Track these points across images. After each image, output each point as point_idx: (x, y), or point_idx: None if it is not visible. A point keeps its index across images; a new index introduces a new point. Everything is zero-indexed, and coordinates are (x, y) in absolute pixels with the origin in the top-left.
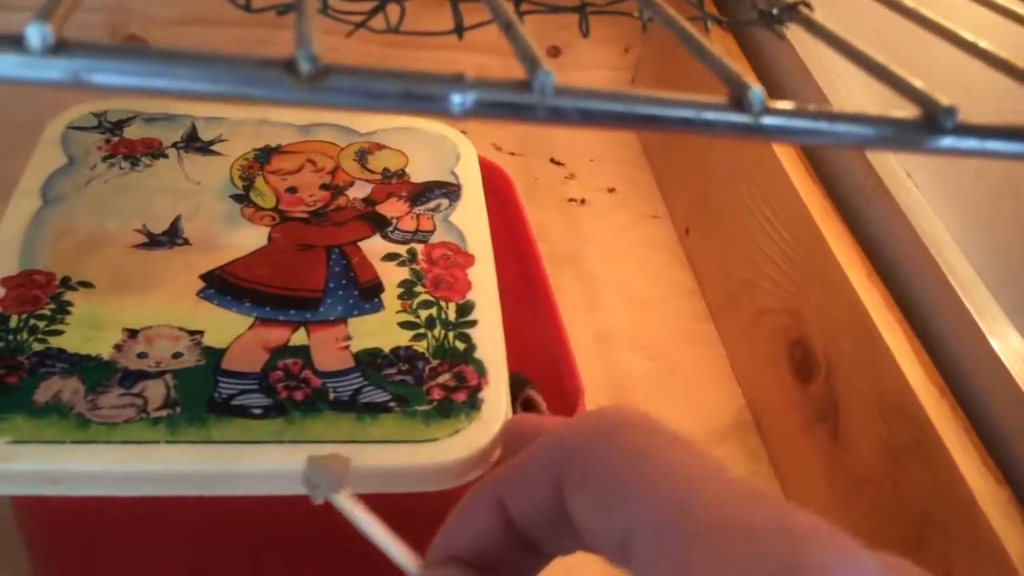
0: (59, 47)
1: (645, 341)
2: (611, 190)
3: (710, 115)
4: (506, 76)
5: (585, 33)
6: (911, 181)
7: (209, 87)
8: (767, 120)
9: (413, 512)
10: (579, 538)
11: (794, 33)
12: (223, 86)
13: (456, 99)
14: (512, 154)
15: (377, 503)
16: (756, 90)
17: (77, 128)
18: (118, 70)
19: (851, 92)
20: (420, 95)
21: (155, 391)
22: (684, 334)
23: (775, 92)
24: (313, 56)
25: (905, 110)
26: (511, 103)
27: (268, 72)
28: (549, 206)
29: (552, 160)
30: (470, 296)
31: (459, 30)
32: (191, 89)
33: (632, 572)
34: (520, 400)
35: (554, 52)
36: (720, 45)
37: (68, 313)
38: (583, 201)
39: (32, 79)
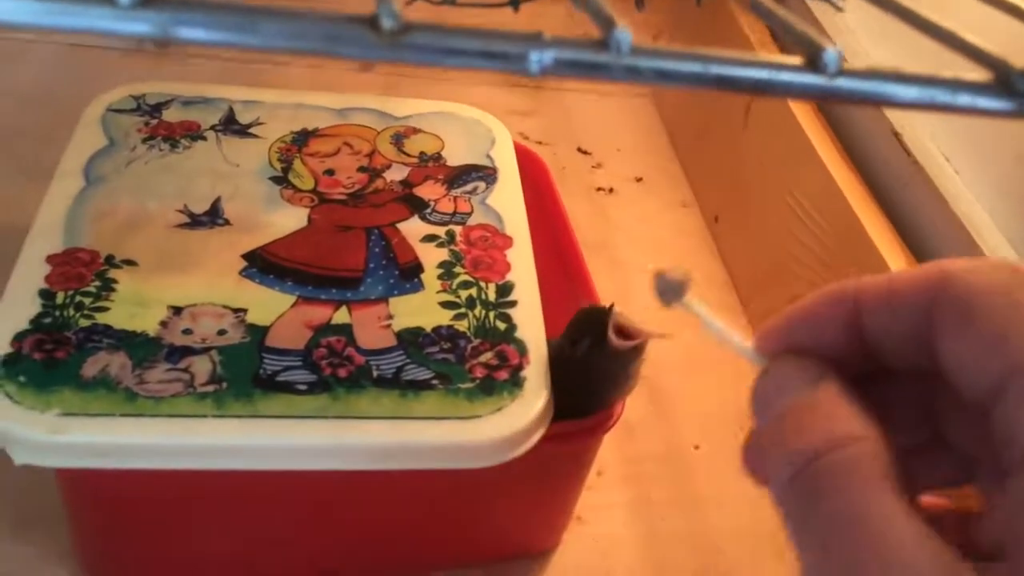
0: (147, 1)
1: (676, 328)
2: (639, 179)
3: (786, 76)
4: None
5: (640, 6)
6: (950, 166)
7: (294, 44)
8: (841, 82)
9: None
10: (934, 366)
11: (823, 10)
12: (307, 43)
13: (534, 57)
14: (539, 143)
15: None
16: (832, 51)
17: (116, 111)
18: (204, 25)
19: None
20: (498, 53)
21: (201, 367)
22: None
23: None
24: (395, 13)
25: (975, 73)
26: (588, 62)
27: (352, 29)
28: (577, 195)
29: (579, 149)
30: (509, 277)
31: (514, 2)
32: (276, 46)
33: (997, 415)
34: (612, 326)
35: None
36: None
37: (113, 290)
38: (611, 190)
39: (121, 31)
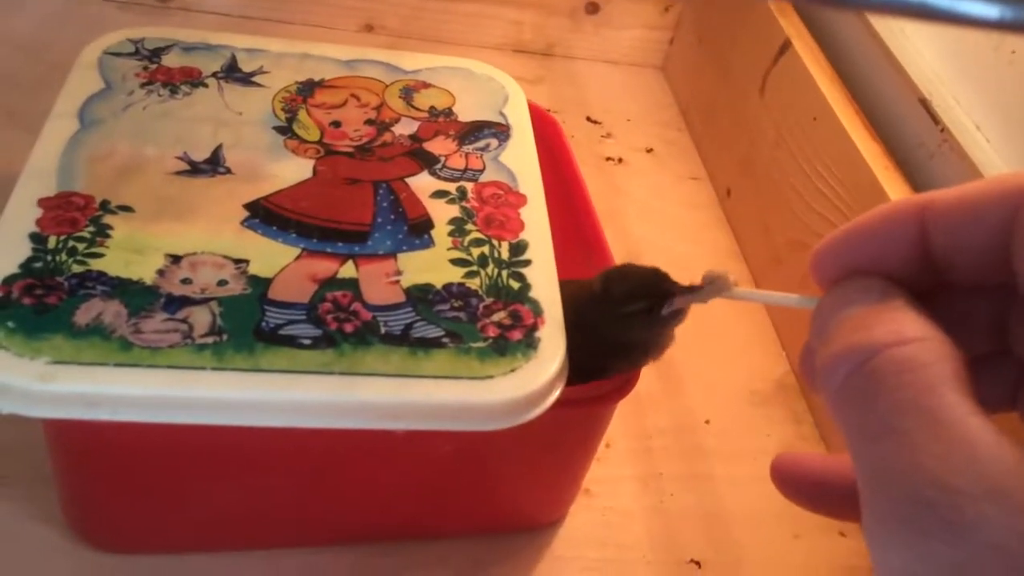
0: None
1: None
2: (649, 150)
3: None
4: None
5: None
6: (980, 134)
7: None
8: None
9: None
10: (1010, 279)
11: None
12: None
13: None
14: (548, 111)
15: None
16: None
17: (114, 54)
18: None
19: (914, 45)
20: None
21: (200, 317)
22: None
23: (830, 44)
24: None
25: None
26: None
27: None
28: (586, 164)
29: (588, 119)
30: (523, 236)
31: None
32: None
33: None
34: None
35: (592, 8)
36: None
37: (108, 236)
38: (620, 160)
39: None
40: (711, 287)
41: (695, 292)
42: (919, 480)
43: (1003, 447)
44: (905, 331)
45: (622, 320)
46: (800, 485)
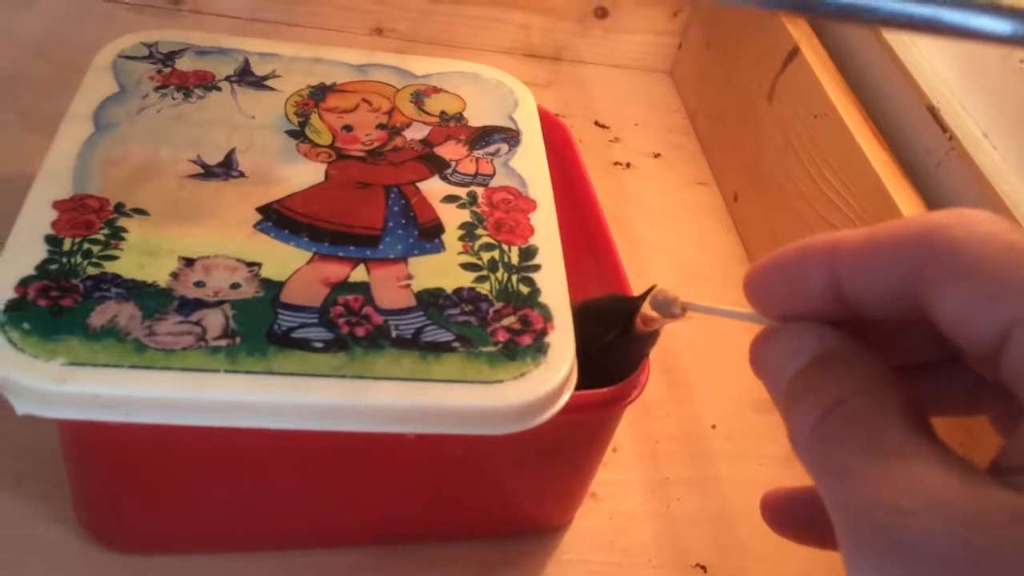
0: None
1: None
2: (657, 155)
3: None
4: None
5: None
6: (988, 142)
7: None
8: None
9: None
10: (922, 319)
11: None
12: None
13: None
14: (556, 115)
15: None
16: None
17: (128, 57)
18: None
19: (922, 52)
20: None
21: (213, 320)
22: (735, 303)
23: (838, 51)
24: None
25: None
26: None
27: None
28: (594, 168)
29: (597, 123)
30: (533, 241)
31: None
32: None
33: (1007, 361)
34: (640, 314)
35: (601, 13)
36: None
37: (122, 239)
38: (628, 165)
39: None
40: (661, 298)
41: (655, 300)
42: (874, 507)
43: (948, 465)
44: (848, 386)
45: (605, 348)
46: (787, 519)
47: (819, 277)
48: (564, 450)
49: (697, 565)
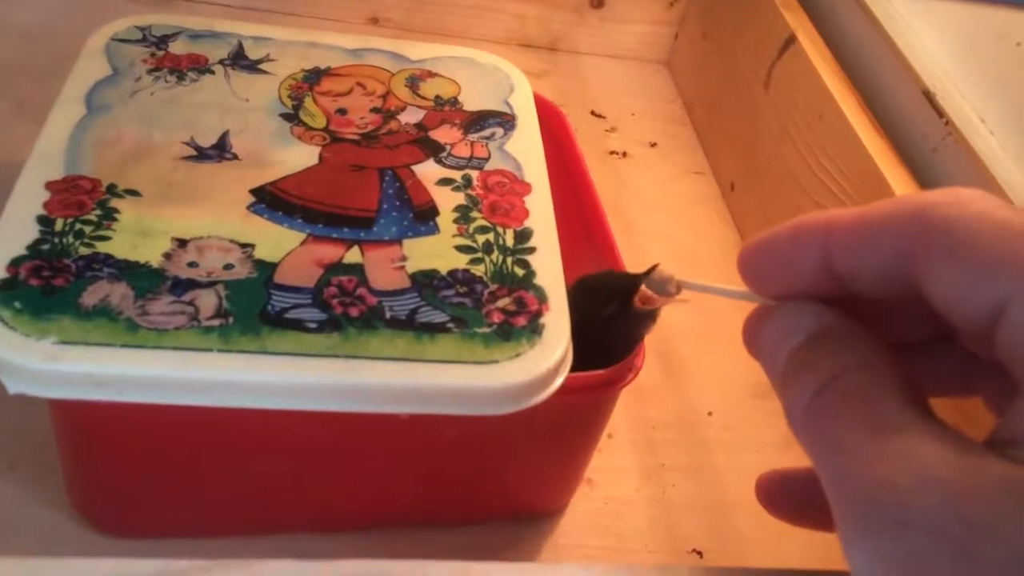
0: None
1: (690, 294)
2: (653, 144)
3: None
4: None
5: None
6: (985, 127)
7: None
8: None
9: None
10: (916, 297)
11: None
12: None
13: None
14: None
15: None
16: None
17: (121, 40)
18: None
19: (918, 37)
20: None
21: (206, 300)
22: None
23: (834, 38)
24: None
25: None
26: None
27: None
28: (591, 158)
29: (593, 112)
30: (528, 223)
31: None
32: None
33: (1002, 337)
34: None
35: (597, 3)
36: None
37: (115, 220)
38: (624, 154)
39: None
40: (657, 276)
41: (649, 278)
42: (870, 484)
43: (944, 440)
44: (844, 361)
45: (603, 324)
46: (783, 500)
47: (812, 255)
48: (559, 433)
49: (693, 551)
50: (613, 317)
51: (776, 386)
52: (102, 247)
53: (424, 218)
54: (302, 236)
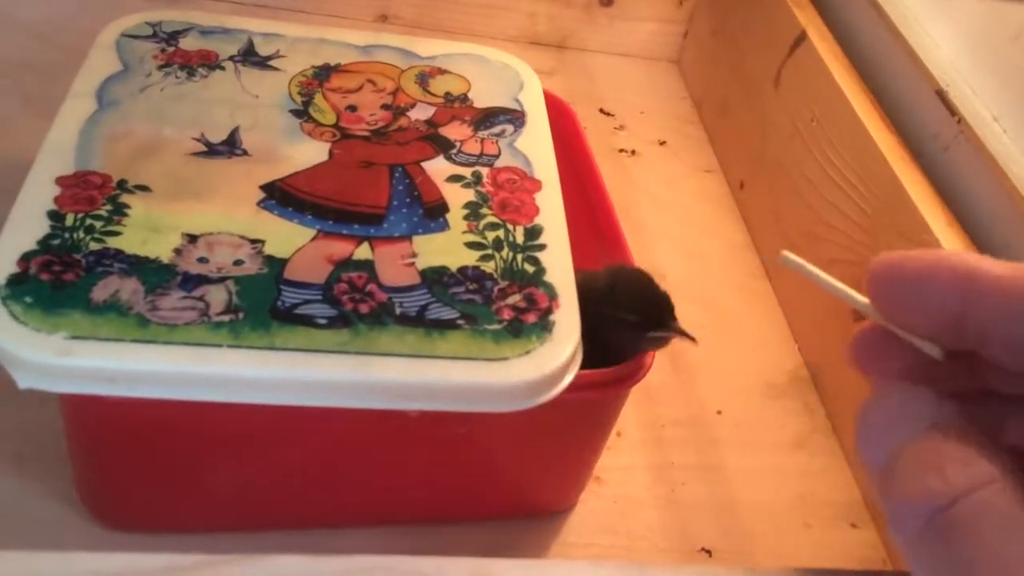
0: None
1: (700, 293)
2: (662, 143)
3: None
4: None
5: None
6: (998, 125)
7: None
8: None
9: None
10: None
11: None
12: None
13: None
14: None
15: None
16: None
17: (132, 36)
18: None
19: (930, 35)
20: None
21: (217, 296)
22: (740, 289)
23: (845, 35)
24: None
25: None
26: None
27: None
28: (599, 156)
29: (602, 110)
30: (538, 220)
31: None
32: None
33: None
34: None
35: (607, 1)
36: None
37: (125, 215)
38: (633, 152)
39: None
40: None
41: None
42: None
43: None
44: (978, 474)
45: (612, 321)
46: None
47: (947, 301)
48: (568, 431)
49: (702, 549)
50: (625, 323)
51: (874, 479)
52: (112, 242)
53: (434, 215)
54: (312, 232)
